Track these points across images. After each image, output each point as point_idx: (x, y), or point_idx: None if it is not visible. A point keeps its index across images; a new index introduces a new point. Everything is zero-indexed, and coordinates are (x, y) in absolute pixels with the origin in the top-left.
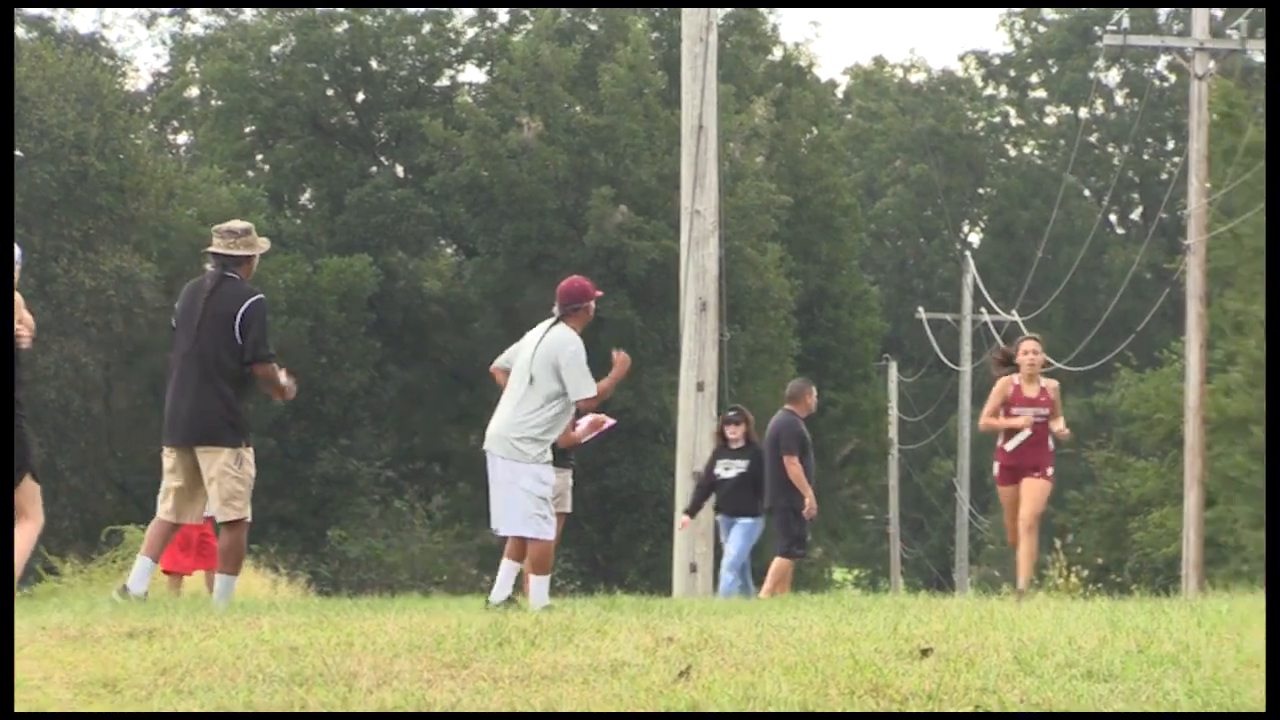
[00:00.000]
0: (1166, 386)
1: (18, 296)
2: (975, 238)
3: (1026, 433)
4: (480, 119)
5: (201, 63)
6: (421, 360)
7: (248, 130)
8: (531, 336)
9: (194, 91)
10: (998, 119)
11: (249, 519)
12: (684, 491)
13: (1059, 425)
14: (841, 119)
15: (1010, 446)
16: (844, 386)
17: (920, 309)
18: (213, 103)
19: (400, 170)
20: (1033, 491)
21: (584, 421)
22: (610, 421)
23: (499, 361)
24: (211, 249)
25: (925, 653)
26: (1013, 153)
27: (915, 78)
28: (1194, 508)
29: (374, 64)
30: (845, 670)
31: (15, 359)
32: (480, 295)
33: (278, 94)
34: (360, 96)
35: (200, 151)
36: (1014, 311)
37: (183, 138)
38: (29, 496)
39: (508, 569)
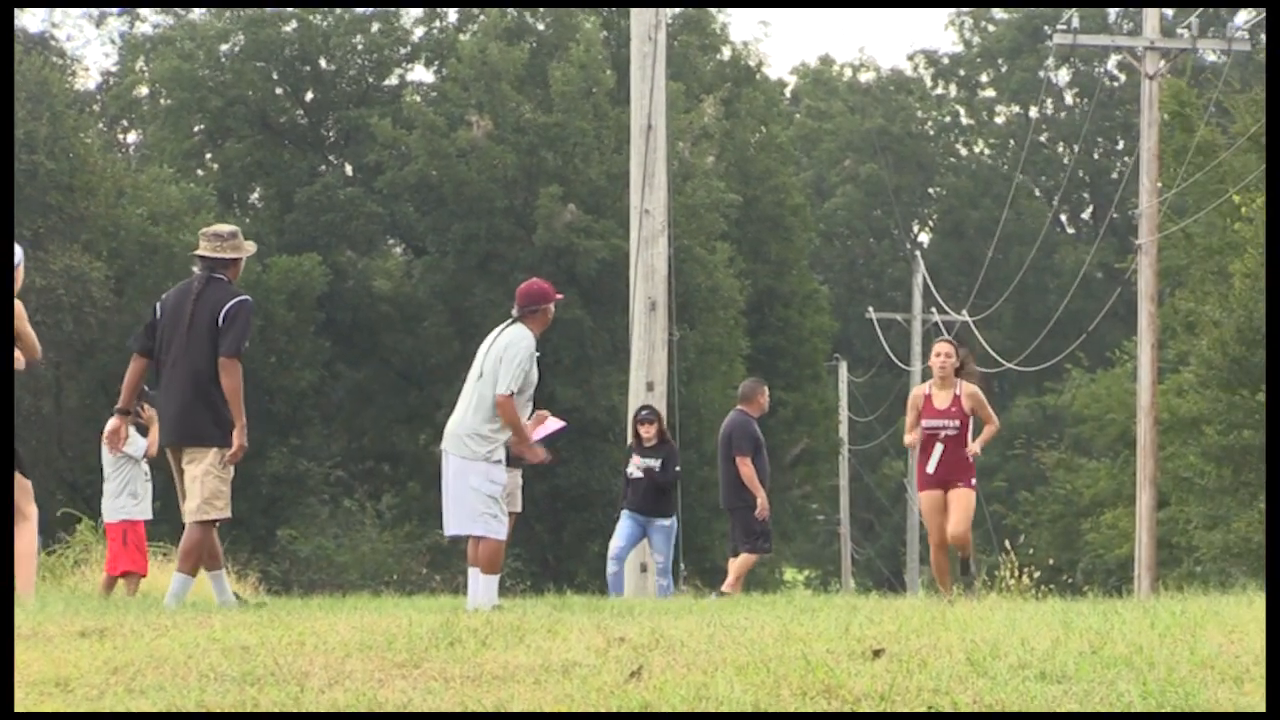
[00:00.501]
0: (1118, 387)
1: (19, 308)
2: (925, 237)
3: (940, 449)
4: (428, 118)
5: (150, 62)
6: (371, 360)
7: (197, 129)
8: (491, 336)
9: (143, 90)
10: (947, 118)
11: (228, 517)
12: None
13: (973, 446)
14: (791, 118)
15: (930, 468)
16: (794, 386)
17: (870, 309)
18: (162, 102)
19: (349, 169)
20: (960, 503)
21: (532, 421)
22: (559, 423)
23: None
24: (198, 252)
25: (877, 653)
26: (963, 152)
27: (864, 77)
28: (1146, 508)
29: (323, 63)
30: (797, 671)
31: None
32: (429, 294)
33: (227, 93)
34: (309, 95)
35: (149, 150)
36: (964, 312)
37: (132, 137)
38: (22, 492)
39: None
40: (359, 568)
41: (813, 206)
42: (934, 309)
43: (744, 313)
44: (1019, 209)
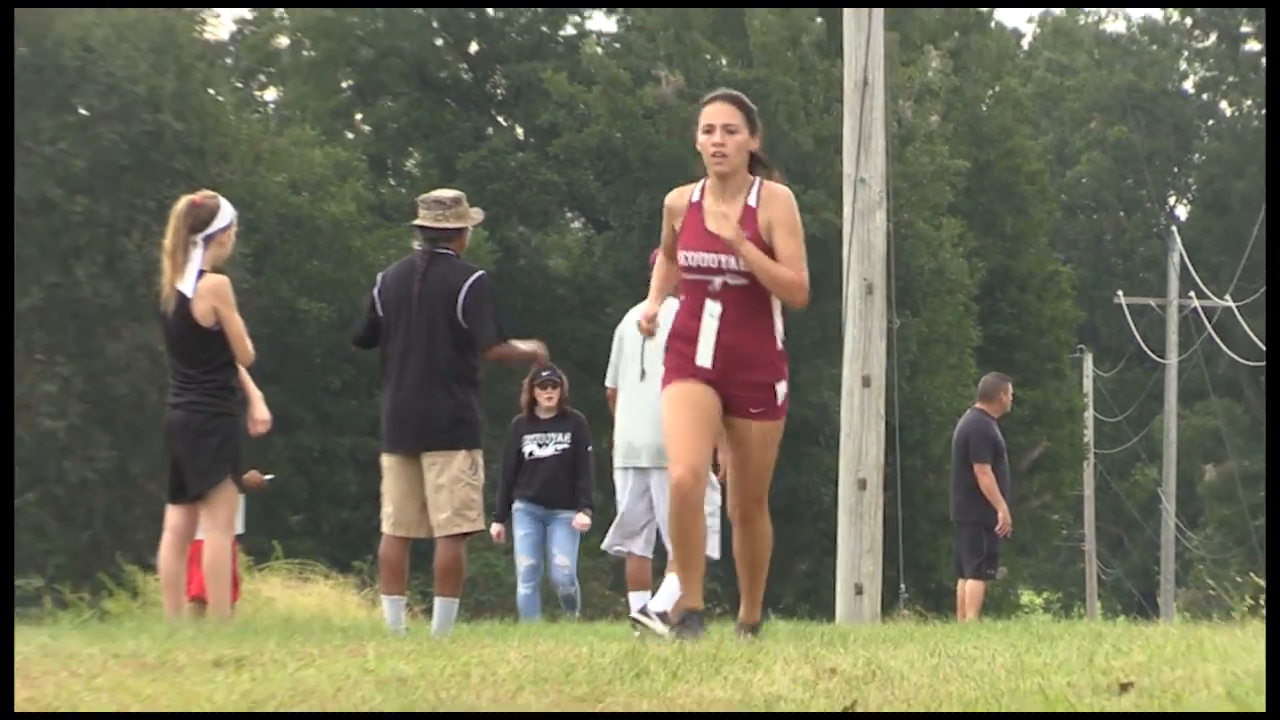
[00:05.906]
0: None
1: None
2: (1182, 211)
3: (714, 312)
4: (611, 73)
5: (291, 8)
6: (546, 348)
7: (345, 85)
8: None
9: (283, 41)
10: (1208, 73)
11: (482, 529)
12: (849, 501)
13: (779, 273)
14: (1028, 73)
15: (703, 356)
16: (1032, 382)
17: (1119, 293)
18: (304, 54)
19: (520, 131)
20: (753, 446)
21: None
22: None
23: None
24: (417, 223)
25: (1125, 687)
26: (1227, 112)
27: (1112, 26)
28: None
29: (489, 10)
30: (1033, 707)
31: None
32: (613, 275)
33: (379, 43)
34: (474, 47)
35: (290, 110)
36: (1228, 296)
37: (270, 94)
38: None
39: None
40: None
41: (1053, 175)
42: (1192, 293)
43: (974, 298)
44: None
